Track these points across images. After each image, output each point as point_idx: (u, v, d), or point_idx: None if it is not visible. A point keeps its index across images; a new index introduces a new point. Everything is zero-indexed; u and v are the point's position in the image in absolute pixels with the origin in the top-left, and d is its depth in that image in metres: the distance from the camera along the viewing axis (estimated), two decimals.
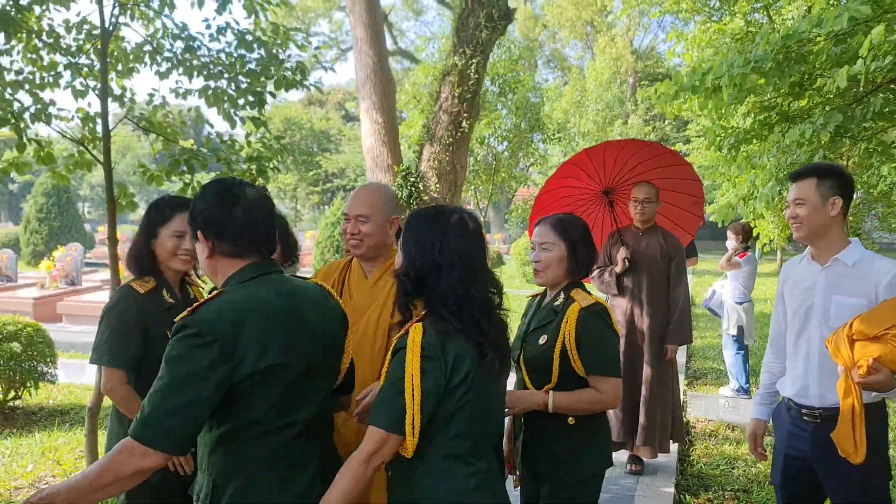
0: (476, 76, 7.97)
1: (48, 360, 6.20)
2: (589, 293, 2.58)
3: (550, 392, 2.48)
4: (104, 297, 11.36)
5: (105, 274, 14.48)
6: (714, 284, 7.60)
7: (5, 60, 4.53)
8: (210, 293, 1.93)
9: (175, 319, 1.76)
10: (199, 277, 2.90)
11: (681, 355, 8.85)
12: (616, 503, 4.34)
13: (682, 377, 7.75)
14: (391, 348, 1.96)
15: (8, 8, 3.79)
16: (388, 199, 2.72)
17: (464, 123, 7.96)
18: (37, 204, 22.30)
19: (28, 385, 6.16)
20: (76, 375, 7.61)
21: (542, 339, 2.54)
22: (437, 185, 7.94)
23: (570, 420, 2.52)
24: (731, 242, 7.06)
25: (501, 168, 14.47)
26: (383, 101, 8.30)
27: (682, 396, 6.72)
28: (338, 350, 2.05)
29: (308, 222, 41.57)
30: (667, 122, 32.55)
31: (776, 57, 5.36)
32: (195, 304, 1.77)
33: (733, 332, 7.05)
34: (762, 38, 5.45)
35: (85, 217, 38.05)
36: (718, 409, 6.62)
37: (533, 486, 2.68)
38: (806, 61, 5.67)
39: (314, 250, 13.92)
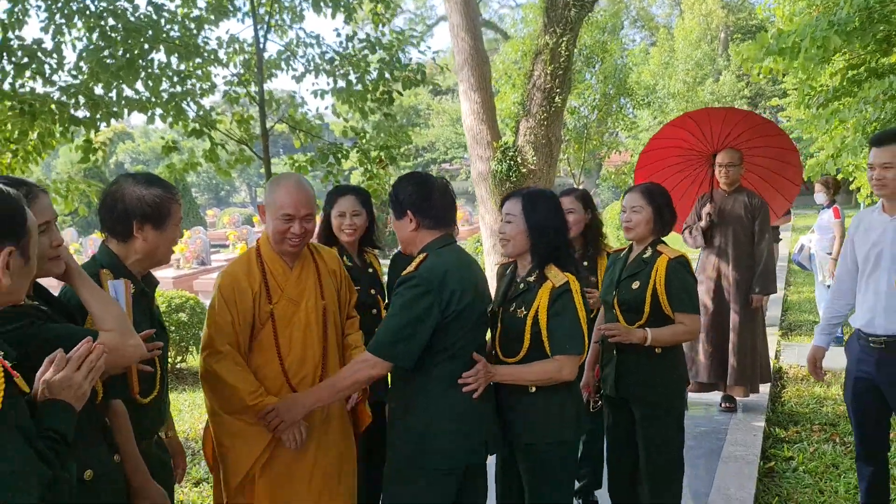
0: (566, 53, 8.47)
1: None
2: (670, 247, 3.17)
3: (648, 328, 3.06)
4: None
5: (227, 254, 15.81)
6: (801, 239, 7.82)
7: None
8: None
9: (402, 273, 2.44)
10: (375, 248, 3.59)
11: (776, 308, 9.13)
12: (712, 434, 4.89)
13: (776, 329, 8.08)
14: (548, 291, 2.56)
15: (185, 37, 4.64)
16: None
17: (556, 99, 8.49)
18: None
19: (191, 350, 7.23)
20: None
21: (635, 285, 3.13)
22: (535, 159, 8.53)
23: (658, 350, 3.12)
24: (821, 196, 7.31)
25: (592, 136, 14.82)
26: (480, 81, 8.92)
27: (775, 346, 7.11)
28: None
29: None
30: (761, 76, 31.55)
31: (859, 15, 5.66)
32: (415, 263, 2.41)
33: (829, 282, 7.30)
34: (845, 2, 5.73)
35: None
36: None
37: (622, 408, 3.24)
38: (889, 21, 5.91)
39: None
